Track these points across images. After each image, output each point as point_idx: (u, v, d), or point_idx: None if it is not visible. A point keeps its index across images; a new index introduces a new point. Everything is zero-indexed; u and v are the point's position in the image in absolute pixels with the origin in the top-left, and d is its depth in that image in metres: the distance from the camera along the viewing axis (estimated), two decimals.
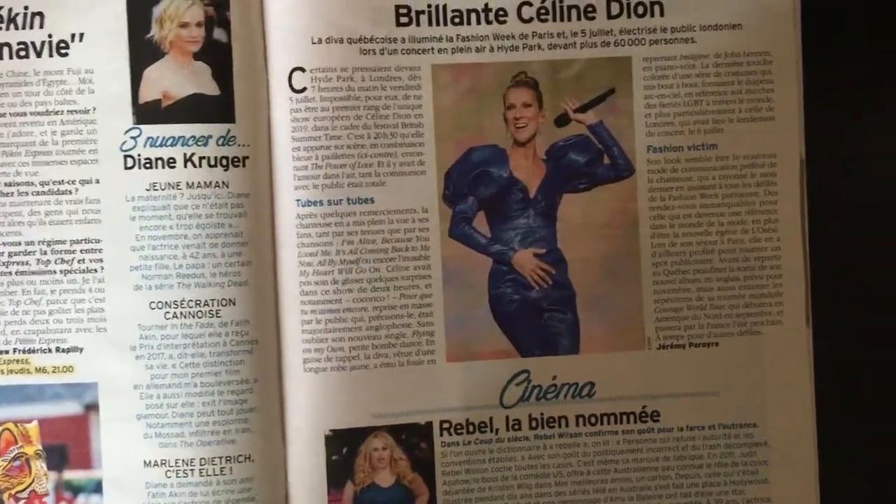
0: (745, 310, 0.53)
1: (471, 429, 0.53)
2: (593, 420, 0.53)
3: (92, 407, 0.50)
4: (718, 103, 0.53)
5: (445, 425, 0.53)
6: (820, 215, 0.54)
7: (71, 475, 0.51)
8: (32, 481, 0.51)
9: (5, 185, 0.50)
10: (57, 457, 0.51)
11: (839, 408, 0.54)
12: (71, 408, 0.51)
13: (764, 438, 0.54)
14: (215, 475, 0.50)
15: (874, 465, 0.55)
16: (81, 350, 0.50)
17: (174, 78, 0.50)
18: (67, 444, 0.51)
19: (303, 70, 0.51)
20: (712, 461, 0.53)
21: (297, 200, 0.51)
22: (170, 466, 0.50)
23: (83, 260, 0.50)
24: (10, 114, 0.50)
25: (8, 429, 0.51)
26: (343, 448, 0.52)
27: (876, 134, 0.56)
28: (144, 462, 0.50)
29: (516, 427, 0.53)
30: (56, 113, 0.50)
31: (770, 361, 0.53)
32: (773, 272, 0.53)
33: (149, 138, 0.49)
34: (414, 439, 0.52)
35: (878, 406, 0.55)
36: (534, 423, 0.53)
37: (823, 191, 0.54)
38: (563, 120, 0.53)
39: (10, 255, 0.50)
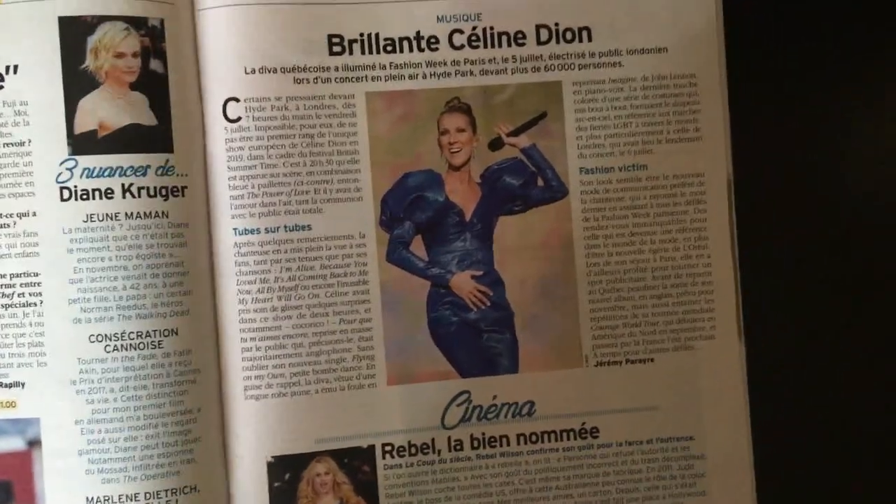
0: (678, 325, 0.55)
1: (413, 451, 0.53)
2: (534, 438, 0.54)
3: (35, 443, 0.50)
4: (647, 125, 0.54)
5: (388, 448, 0.53)
6: (750, 231, 0.55)
7: None
8: None
9: None
10: (3, 494, 0.50)
11: (773, 418, 0.55)
12: (15, 443, 0.50)
13: (701, 451, 0.55)
14: None
15: (810, 475, 0.56)
16: (23, 385, 0.50)
17: (110, 108, 0.50)
18: (12, 481, 0.51)
19: (237, 100, 0.51)
20: (651, 475, 0.54)
21: (235, 229, 0.52)
22: (113, 503, 0.49)
23: (23, 294, 0.50)
24: None
25: None
26: (286, 474, 0.52)
27: (802, 148, 0.57)
28: (87, 499, 0.50)
29: (458, 448, 0.54)
30: None
31: (704, 375, 0.55)
32: (705, 288, 0.55)
33: (85, 169, 0.49)
34: (356, 463, 0.53)
35: (812, 416, 0.56)
36: (475, 443, 0.54)
37: (752, 207, 0.55)
38: (496, 144, 0.54)
39: None
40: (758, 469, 0.55)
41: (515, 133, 0.54)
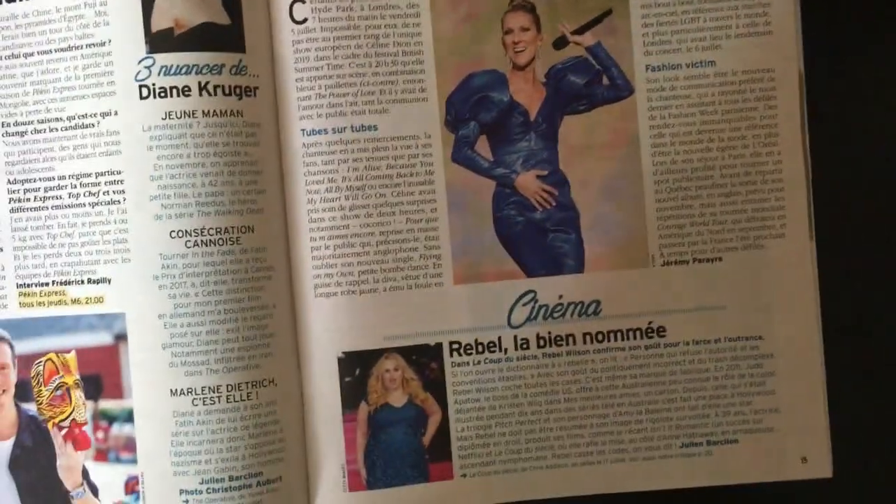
0: (747, 224, 0.54)
1: (480, 349, 0.54)
2: (600, 337, 0.54)
3: (121, 337, 0.52)
4: (715, 19, 0.53)
5: (455, 346, 0.54)
6: (823, 128, 0.54)
7: (105, 404, 0.53)
8: (73, 410, 0.53)
9: (38, 122, 0.52)
10: (92, 386, 0.53)
11: (845, 318, 0.54)
12: (103, 338, 0.53)
13: (770, 351, 0.54)
14: (241, 401, 0.52)
15: (881, 374, 0.55)
16: (110, 281, 0.52)
17: (185, 5, 0.51)
18: (101, 374, 0.53)
19: (303, 1, 0.52)
20: (719, 374, 0.54)
21: (303, 130, 0.53)
22: (196, 394, 0.51)
23: (107, 192, 0.52)
24: (37, 52, 0.52)
25: (50, 359, 0.53)
26: (356, 370, 0.54)
27: (879, 40, 0.55)
28: (171, 391, 0.51)
29: (524, 346, 0.54)
30: (77, 48, 0.51)
31: (774, 274, 0.54)
32: (775, 185, 0.54)
33: (162, 67, 0.51)
34: (424, 360, 0.54)
35: (885, 316, 0.55)
36: (541, 342, 0.54)
37: (825, 103, 0.54)
38: (561, 42, 0.54)
39: (45, 189, 0.52)
40: (829, 369, 0.54)
41: (580, 31, 0.54)
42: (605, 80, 0.54)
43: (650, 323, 0.54)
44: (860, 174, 0.55)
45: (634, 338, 0.54)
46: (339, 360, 0.53)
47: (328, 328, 0.53)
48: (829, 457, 0.54)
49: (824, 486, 0.54)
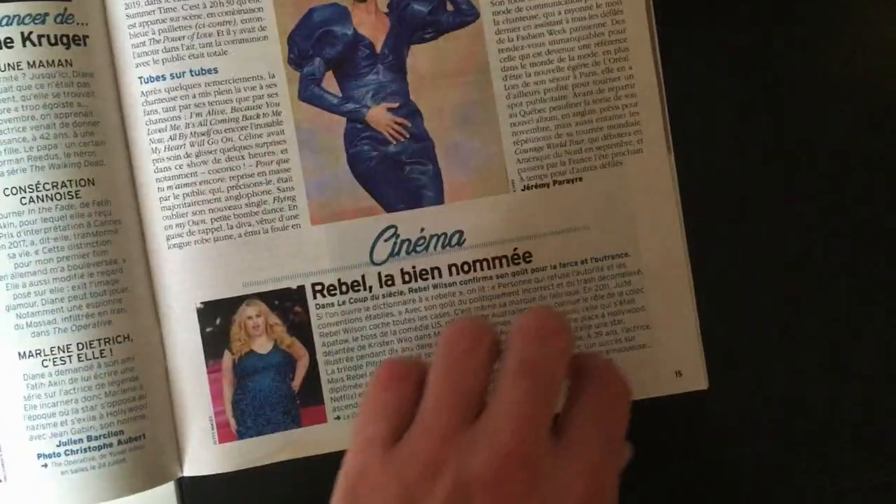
0: (604, 142, 0.53)
1: (344, 289, 0.53)
2: (466, 268, 0.54)
3: None
4: None
5: (318, 287, 0.53)
6: (675, 39, 0.53)
7: None
8: None
9: None
10: None
11: (708, 229, 0.54)
12: None
13: (636, 267, 0.54)
14: (94, 359, 0.50)
15: (748, 283, 0.54)
16: None
17: None
18: None
19: None
20: (588, 295, 0.54)
21: (140, 77, 0.52)
22: (45, 355, 0.50)
23: None
24: None
25: None
26: (216, 319, 0.52)
27: None
28: (19, 354, 0.50)
29: (389, 283, 0.53)
30: None
31: (635, 190, 0.54)
32: (629, 101, 0.53)
33: None
34: (288, 304, 0.53)
35: (749, 224, 0.55)
36: (406, 277, 0.53)
37: (673, 13, 0.54)
38: None
39: None
40: (697, 282, 0.54)
41: None
42: (450, 6, 0.53)
43: (515, 249, 0.54)
44: (714, 83, 0.55)
45: (500, 265, 0.54)
46: (199, 311, 0.52)
47: (184, 279, 0.52)
48: (703, 369, 0.54)
49: (701, 398, 0.54)
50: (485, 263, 0.54)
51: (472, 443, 0.41)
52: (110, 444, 0.50)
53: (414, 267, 0.53)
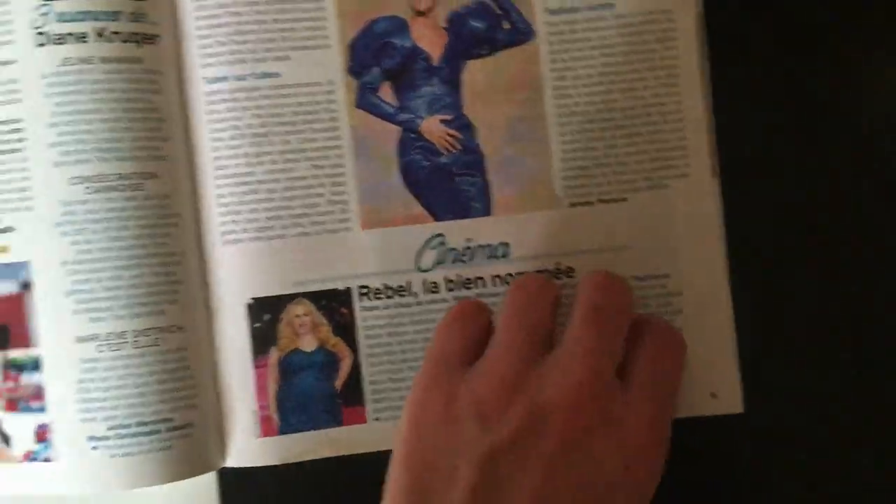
0: (650, 164, 0.55)
1: (389, 293, 0.55)
2: (509, 279, 0.55)
3: (27, 286, 0.52)
4: None
5: (364, 290, 0.55)
6: (728, 68, 0.55)
7: (13, 354, 0.53)
8: None
9: None
10: (0, 336, 0.53)
11: (751, 253, 0.55)
12: (9, 287, 0.53)
13: (677, 288, 0.55)
14: (148, 346, 0.52)
15: (790, 312, 0.55)
16: (14, 229, 0.52)
17: None
18: (8, 325, 0.53)
19: None
20: None
21: (205, 78, 0.53)
22: (101, 340, 0.52)
23: (8, 140, 0.52)
24: None
25: None
26: (265, 315, 0.54)
27: None
28: (77, 338, 0.52)
29: (434, 290, 0.55)
30: None
31: (679, 213, 0.55)
32: (676, 125, 0.55)
33: (59, 14, 0.51)
34: (334, 305, 0.54)
35: (790, 249, 0.56)
36: (451, 286, 0.55)
37: (728, 43, 0.55)
38: None
39: None
40: (737, 306, 0.55)
41: None
42: (506, 25, 0.55)
43: (558, 264, 0.55)
44: (762, 113, 0.56)
45: None
46: (248, 307, 0.54)
47: (236, 274, 0.54)
48: (739, 392, 0.55)
49: (736, 421, 0.55)
50: None
51: (546, 373, 0.45)
52: (159, 431, 0.52)
53: (458, 275, 0.55)
